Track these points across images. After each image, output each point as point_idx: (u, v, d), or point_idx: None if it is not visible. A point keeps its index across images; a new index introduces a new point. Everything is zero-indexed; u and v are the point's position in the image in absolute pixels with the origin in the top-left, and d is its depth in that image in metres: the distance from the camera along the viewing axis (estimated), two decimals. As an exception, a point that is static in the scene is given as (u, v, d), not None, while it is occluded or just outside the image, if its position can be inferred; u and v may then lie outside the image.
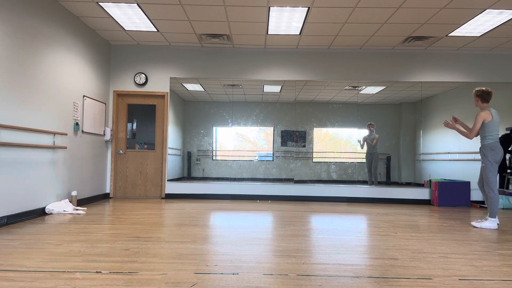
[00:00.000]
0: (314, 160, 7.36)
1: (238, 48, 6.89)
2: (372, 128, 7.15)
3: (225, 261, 2.75)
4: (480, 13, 5.10)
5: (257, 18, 5.43)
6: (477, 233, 4.05)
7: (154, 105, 6.90)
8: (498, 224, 4.41)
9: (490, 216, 4.37)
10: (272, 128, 7.48)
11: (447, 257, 2.98)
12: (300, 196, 6.83)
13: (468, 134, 4.49)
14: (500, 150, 4.35)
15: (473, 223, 4.50)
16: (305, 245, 3.31)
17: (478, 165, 7.32)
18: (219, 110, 7.44)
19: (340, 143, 7.34)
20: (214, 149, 7.50)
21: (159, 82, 6.83)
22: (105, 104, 6.60)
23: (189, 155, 7.45)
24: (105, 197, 6.70)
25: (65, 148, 5.12)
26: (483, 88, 4.46)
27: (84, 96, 5.79)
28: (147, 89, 6.81)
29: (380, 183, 7.24)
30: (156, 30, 6.03)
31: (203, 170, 7.49)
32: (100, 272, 2.43)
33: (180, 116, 7.37)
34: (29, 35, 4.40)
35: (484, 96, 4.45)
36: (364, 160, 7.25)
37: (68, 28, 5.28)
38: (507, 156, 6.65)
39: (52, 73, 4.90)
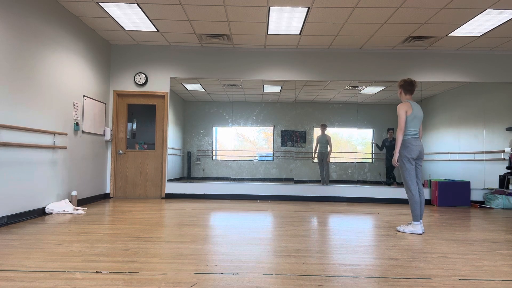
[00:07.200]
0: (315, 160, 7.36)
1: (238, 48, 6.88)
2: (324, 129, 7.19)
3: (225, 261, 2.75)
4: (480, 13, 5.10)
5: (257, 18, 5.43)
6: (477, 233, 4.05)
7: (154, 105, 6.90)
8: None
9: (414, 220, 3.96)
10: (272, 128, 7.47)
11: (447, 257, 2.98)
12: (300, 196, 6.83)
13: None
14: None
15: (397, 228, 4.09)
16: (305, 245, 3.31)
17: (478, 165, 7.37)
18: (219, 110, 7.44)
19: (340, 143, 7.33)
20: (214, 149, 7.49)
21: (159, 82, 6.83)
22: (105, 104, 6.60)
23: (189, 155, 7.45)
24: (105, 197, 6.70)
25: (65, 148, 5.12)
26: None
27: (84, 96, 5.79)
28: (147, 89, 6.81)
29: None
30: (156, 30, 6.03)
31: (203, 170, 7.48)
32: (100, 272, 2.43)
33: (180, 116, 7.37)
34: (29, 35, 4.40)
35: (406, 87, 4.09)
36: (364, 161, 7.25)
37: (68, 28, 5.28)
38: (507, 155, 6.65)
39: (52, 73, 4.90)
